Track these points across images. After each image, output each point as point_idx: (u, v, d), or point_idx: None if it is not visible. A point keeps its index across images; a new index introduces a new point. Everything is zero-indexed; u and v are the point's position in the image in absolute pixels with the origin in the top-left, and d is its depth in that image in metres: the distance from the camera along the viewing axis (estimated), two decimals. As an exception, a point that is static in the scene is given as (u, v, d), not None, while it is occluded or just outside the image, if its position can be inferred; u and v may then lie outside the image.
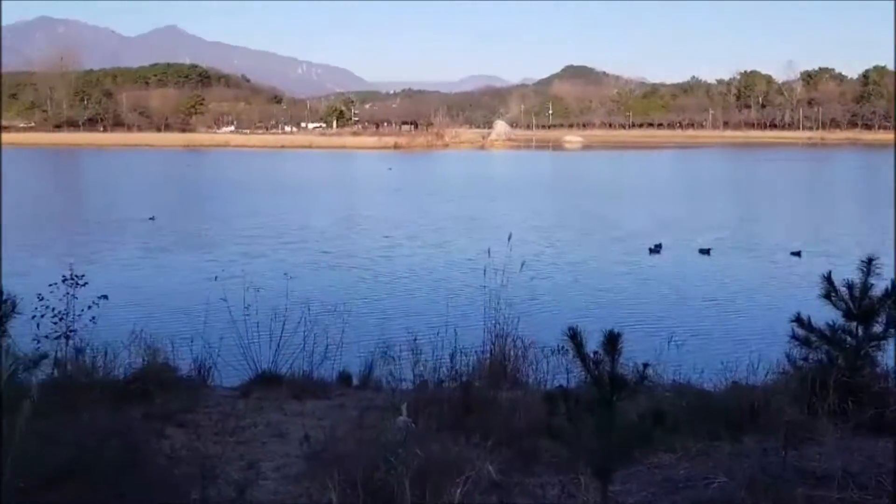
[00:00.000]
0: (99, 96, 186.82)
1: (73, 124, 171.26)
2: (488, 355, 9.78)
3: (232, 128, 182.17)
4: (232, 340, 10.07)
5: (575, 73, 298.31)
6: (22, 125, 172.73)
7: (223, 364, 9.86)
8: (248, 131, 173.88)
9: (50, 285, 9.15)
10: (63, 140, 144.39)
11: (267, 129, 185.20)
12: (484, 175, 74.27)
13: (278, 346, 9.70)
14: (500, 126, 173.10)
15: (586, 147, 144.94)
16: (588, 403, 4.26)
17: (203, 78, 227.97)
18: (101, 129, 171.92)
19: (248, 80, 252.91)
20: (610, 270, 23.56)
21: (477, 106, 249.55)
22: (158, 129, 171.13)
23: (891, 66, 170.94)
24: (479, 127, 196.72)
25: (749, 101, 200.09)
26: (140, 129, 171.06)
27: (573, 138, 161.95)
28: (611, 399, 4.15)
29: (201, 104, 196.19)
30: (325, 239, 29.97)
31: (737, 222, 36.37)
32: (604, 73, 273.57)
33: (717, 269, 23.90)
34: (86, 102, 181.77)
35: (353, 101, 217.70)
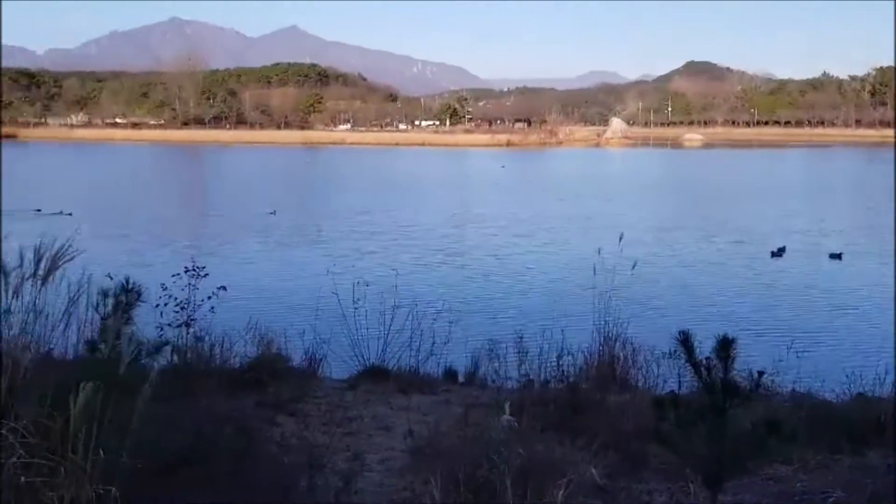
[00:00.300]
0: (224, 95, 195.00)
1: (199, 122, 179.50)
2: (596, 357, 9.61)
3: (348, 126, 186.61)
4: (342, 333, 10.28)
5: (697, 69, 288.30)
6: (152, 122, 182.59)
7: (333, 356, 10.08)
8: (363, 129, 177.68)
9: (173, 276, 9.60)
10: (190, 137, 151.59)
11: (381, 127, 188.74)
12: (598, 173, 73.15)
13: (386, 340, 9.84)
14: (617, 123, 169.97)
15: (707, 145, 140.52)
16: (699, 410, 4.13)
17: (322, 77, 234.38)
18: (226, 126, 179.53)
19: (364, 79, 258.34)
20: (728, 274, 22.72)
21: (593, 103, 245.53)
22: (278, 127, 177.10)
23: None
24: (594, 124, 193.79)
25: (885, 98, 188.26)
26: (261, 126, 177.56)
27: (693, 136, 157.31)
28: (723, 406, 4.01)
29: (319, 102, 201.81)
30: (435, 236, 30.26)
31: (870, 226, 34.31)
32: (727, 68, 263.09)
33: (847, 275, 22.64)
34: (211, 101, 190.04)
35: (466, 99, 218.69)
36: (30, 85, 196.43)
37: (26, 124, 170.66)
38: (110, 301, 5.16)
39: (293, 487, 5.51)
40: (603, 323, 9.93)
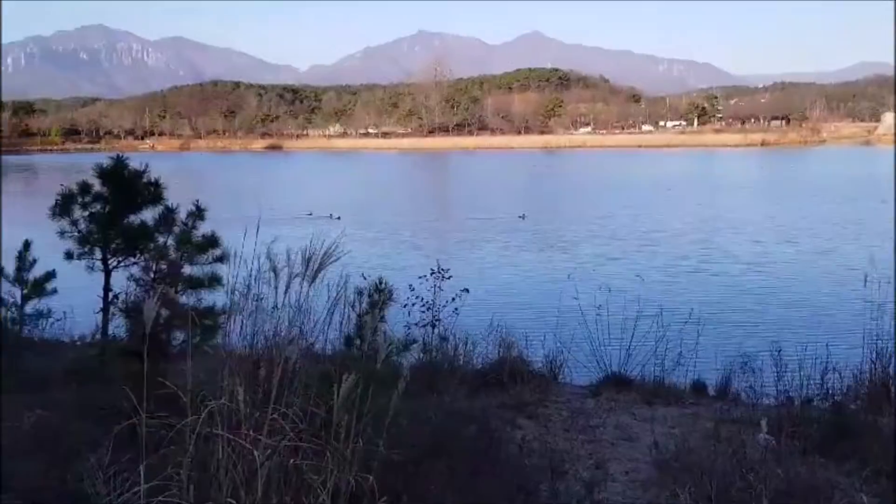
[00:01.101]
0: (467, 103, 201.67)
1: (443, 130, 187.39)
2: (868, 376, 8.69)
3: (589, 129, 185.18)
4: (583, 339, 10.16)
5: None
6: (400, 131, 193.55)
7: (573, 362, 9.97)
8: (604, 132, 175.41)
9: (419, 277, 10.04)
10: (435, 144, 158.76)
11: (623, 129, 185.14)
12: (869, 173, 66.46)
13: (629, 348, 9.56)
14: (891, 118, 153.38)
15: None
16: None
17: (562, 81, 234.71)
18: (468, 133, 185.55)
19: (606, 81, 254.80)
20: None
21: (862, 97, 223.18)
22: (518, 132, 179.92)
23: None
24: (863, 121, 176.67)
25: None
26: (502, 132, 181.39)
27: None
28: None
29: (560, 106, 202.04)
30: (684, 241, 29.11)
31: None
32: None
33: None
34: (455, 109, 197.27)
35: (716, 97, 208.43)
36: (294, 100, 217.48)
37: (290, 136, 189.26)
38: (365, 299, 5.52)
39: (535, 491, 5.51)
40: (875, 338, 8.96)
